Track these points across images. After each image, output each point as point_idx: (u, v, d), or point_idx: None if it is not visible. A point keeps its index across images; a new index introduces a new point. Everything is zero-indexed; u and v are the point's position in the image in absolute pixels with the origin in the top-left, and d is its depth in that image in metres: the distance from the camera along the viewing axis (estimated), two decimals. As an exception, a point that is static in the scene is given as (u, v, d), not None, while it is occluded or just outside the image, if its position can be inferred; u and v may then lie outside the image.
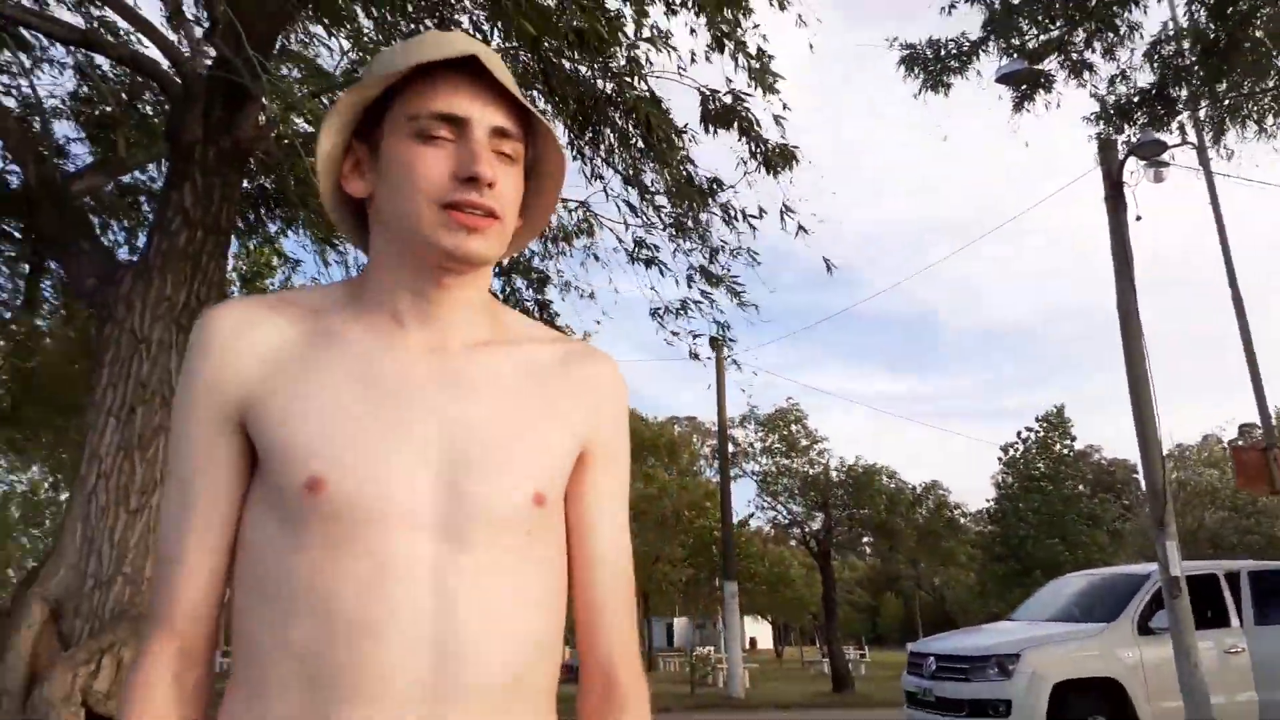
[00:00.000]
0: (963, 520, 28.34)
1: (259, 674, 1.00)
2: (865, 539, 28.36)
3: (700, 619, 48.95)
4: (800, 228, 6.58)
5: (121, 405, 4.50)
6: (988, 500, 36.02)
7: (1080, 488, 34.90)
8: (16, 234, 6.78)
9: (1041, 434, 35.74)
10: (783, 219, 6.56)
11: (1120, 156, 10.02)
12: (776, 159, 6.14)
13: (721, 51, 5.83)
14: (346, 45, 6.24)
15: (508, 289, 7.56)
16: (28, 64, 6.61)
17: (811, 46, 6.67)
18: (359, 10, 5.33)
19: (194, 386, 1.08)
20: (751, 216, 6.66)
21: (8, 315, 7.37)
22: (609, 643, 1.16)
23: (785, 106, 5.99)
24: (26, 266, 7.01)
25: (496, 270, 7.54)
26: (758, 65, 5.78)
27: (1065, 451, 35.63)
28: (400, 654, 0.97)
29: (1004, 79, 10.54)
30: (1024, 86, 10.92)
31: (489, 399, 1.09)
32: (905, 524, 24.17)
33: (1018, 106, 11.21)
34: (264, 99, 4.34)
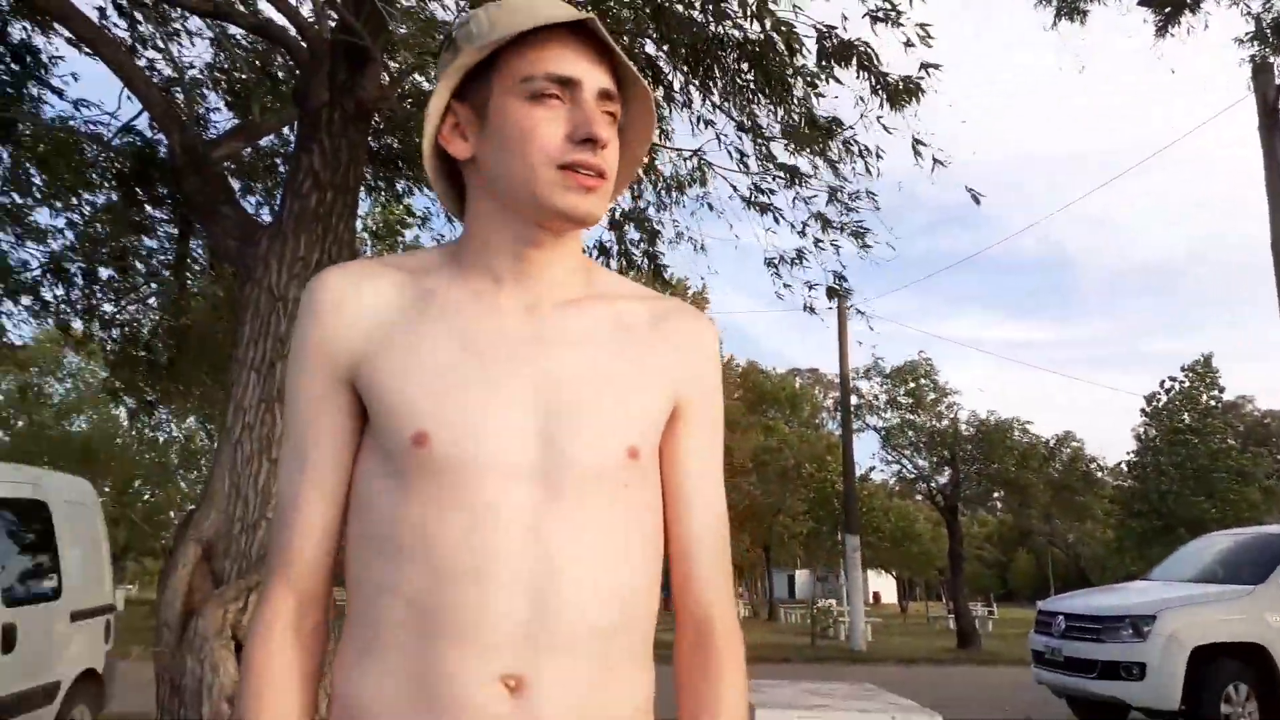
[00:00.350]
0: (1100, 474, 27.32)
1: (371, 618, 1.07)
2: (995, 494, 27.65)
3: (822, 572, 48.79)
4: (936, 161, 6.29)
5: (262, 360, 4.76)
6: (1127, 453, 34.47)
7: (1230, 441, 32.99)
8: (167, 199, 7.20)
9: (1187, 384, 33.90)
10: (915, 153, 6.26)
11: (1277, 80, 9.34)
12: (900, 93, 5.86)
13: None
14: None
15: (619, 243, 7.56)
16: (170, 36, 6.97)
17: None
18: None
19: (305, 348, 1.14)
20: (868, 154, 6.39)
21: (164, 274, 7.83)
22: (702, 591, 1.19)
23: (923, 33, 5.58)
24: (176, 230, 7.43)
25: (608, 223, 7.58)
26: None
27: (1213, 403, 33.73)
28: (500, 599, 1.02)
29: (1146, 0, 9.89)
30: (1168, 8, 10.18)
31: (583, 355, 1.13)
32: (1037, 478, 23.44)
33: (1161, 30, 10.39)
34: (386, 58, 4.45)
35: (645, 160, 1.28)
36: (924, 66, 5.73)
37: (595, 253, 7.47)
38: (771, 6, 5.52)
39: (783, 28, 5.51)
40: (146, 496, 30.95)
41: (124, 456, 27.19)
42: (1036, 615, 10.23)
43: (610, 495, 1.09)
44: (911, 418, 23.82)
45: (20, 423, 24.65)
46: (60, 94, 6.99)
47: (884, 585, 61.68)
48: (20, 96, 6.70)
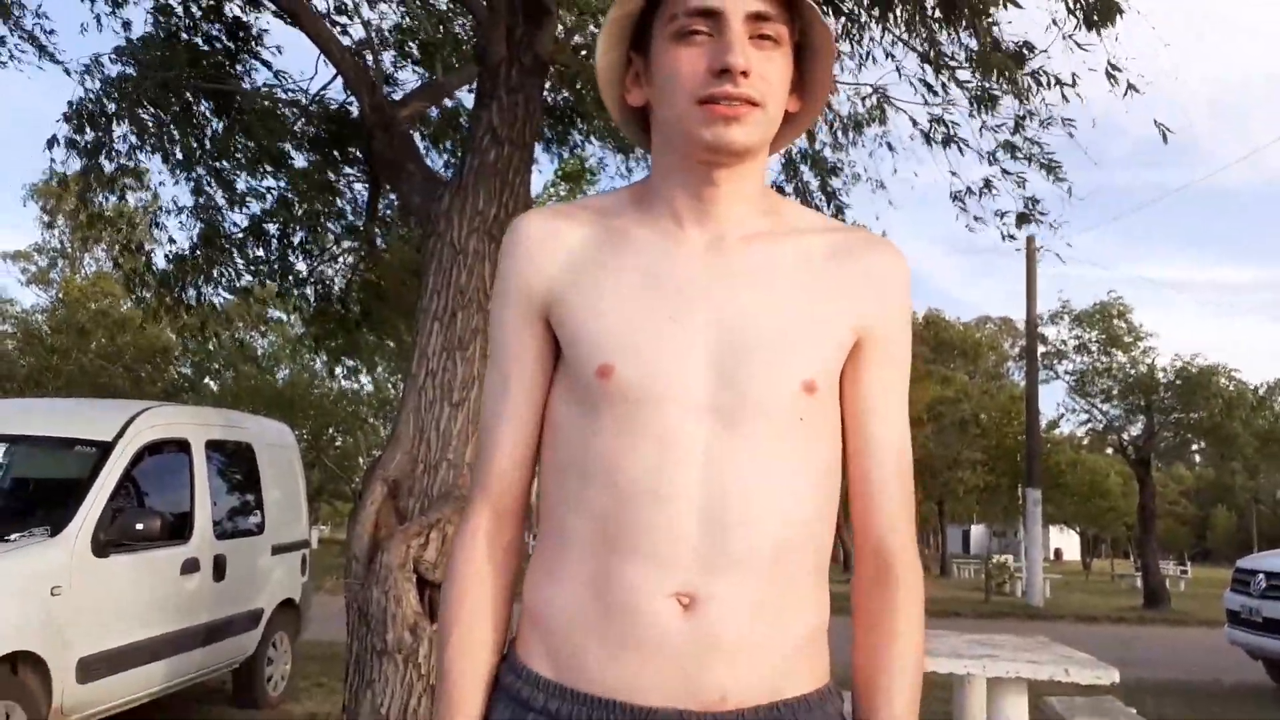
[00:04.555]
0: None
1: (560, 534, 1.15)
2: (1194, 446, 25.96)
3: (1000, 527, 47.27)
4: (1130, 87, 5.88)
5: (444, 310, 4.97)
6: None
7: None
8: (358, 160, 7.58)
9: None
10: (1111, 78, 5.87)
11: None
12: (1097, 13, 5.48)
13: None
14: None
15: (796, 182, 7.42)
16: (359, 4, 7.29)
17: None
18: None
19: (507, 284, 1.22)
20: (1064, 83, 6.01)
21: (359, 226, 8.26)
22: (882, 525, 1.19)
23: None
24: (366, 188, 7.81)
25: (782, 161, 7.45)
26: None
27: None
28: (676, 521, 1.08)
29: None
30: None
31: (763, 289, 1.15)
32: (1244, 428, 21.81)
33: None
34: (562, 12, 4.49)
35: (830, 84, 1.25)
36: (1105, 3, 5.34)
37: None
38: None
39: None
40: (339, 443, 32.94)
41: (320, 405, 29.01)
42: (1234, 573, 9.67)
43: (785, 428, 1.11)
44: (1106, 360, 22.49)
45: (230, 374, 26.63)
46: (269, 66, 7.43)
47: (1066, 542, 59.22)
48: (235, 71, 7.17)
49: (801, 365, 1.12)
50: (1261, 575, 8.99)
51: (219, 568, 6.32)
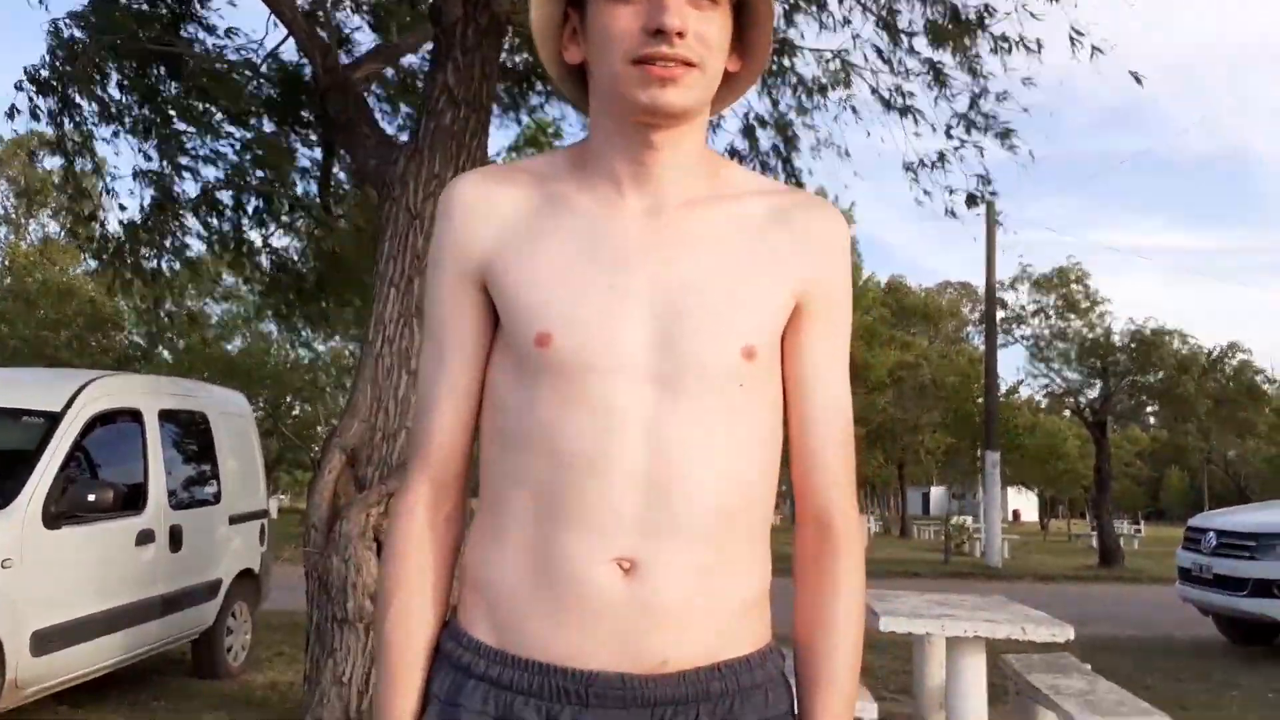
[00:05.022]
0: (1267, 387, 25.69)
1: (501, 502, 1.13)
2: (1149, 408, 26.41)
3: (959, 489, 48.05)
4: (1095, 49, 5.88)
5: (400, 276, 4.90)
6: (1297, 366, 32.26)
7: None
8: (311, 123, 7.42)
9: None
10: (1073, 43, 5.87)
11: None
12: None
13: None
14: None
15: (750, 146, 7.38)
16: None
17: None
18: None
19: (441, 250, 1.20)
20: (1028, 44, 5.99)
21: (313, 195, 8.12)
22: (823, 486, 1.19)
23: None
24: (320, 155, 7.67)
25: (741, 127, 7.40)
26: None
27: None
28: (616, 489, 1.07)
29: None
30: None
31: (703, 254, 1.13)
32: (1197, 390, 22.21)
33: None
34: None
35: (772, 48, 1.21)
36: None
37: (730, 159, 7.35)
38: None
39: None
40: (296, 412, 32.66)
41: (277, 373, 28.70)
42: (1185, 531, 9.89)
43: (726, 393, 1.10)
44: (1062, 324, 22.80)
45: (182, 342, 26.25)
46: (212, 30, 7.26)
47: (1024, 503, 60.30)
48: (184, 33, 7.00)
49: (742, 331, 1.11)
50: (1212, 533, 9.19)
51: (175, 538, 6.24)
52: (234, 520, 7.13)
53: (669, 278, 1.11)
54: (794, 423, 1.19)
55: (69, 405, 5.56)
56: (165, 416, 6.50)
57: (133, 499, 5.94)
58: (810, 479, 1.19)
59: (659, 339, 1.09)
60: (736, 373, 1.11)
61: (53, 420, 5.44)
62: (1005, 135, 6.60)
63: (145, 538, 5.93)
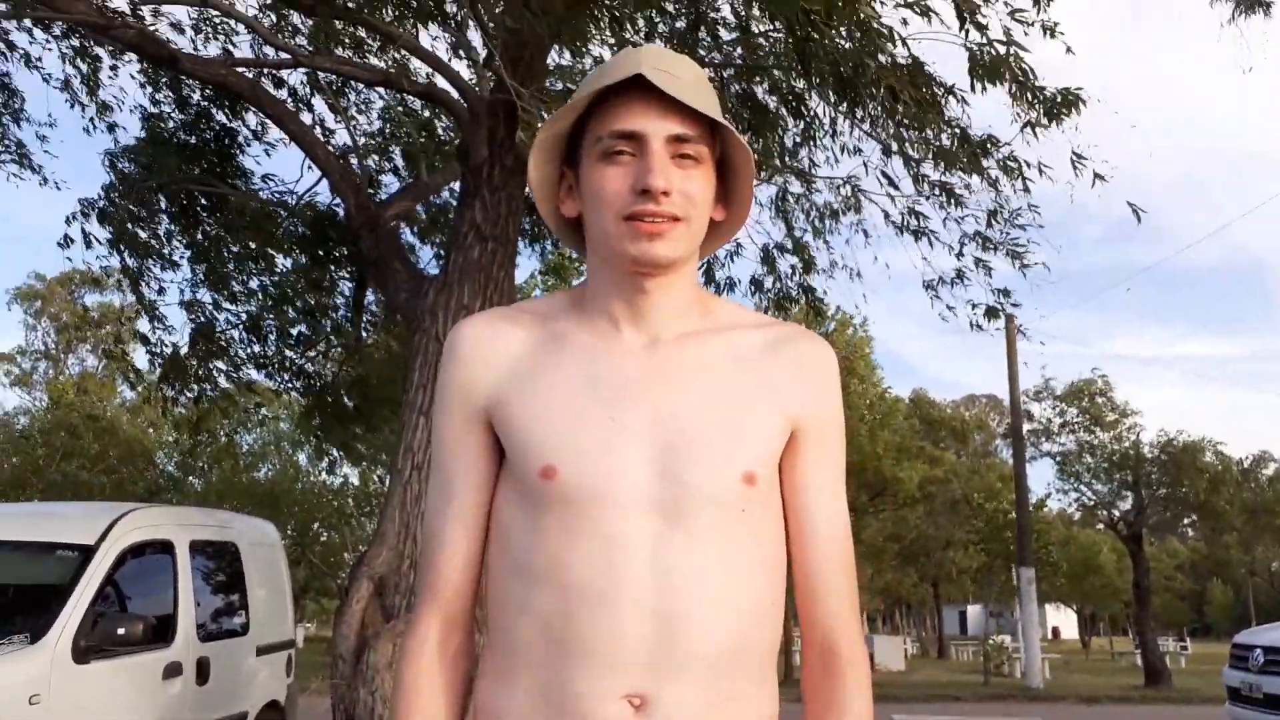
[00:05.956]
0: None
1: (509, 638, 1.16)
2: (1185, 520, 25.86)
3: (996, 608, 46.83)
4: (1096, 176, 6.04)
5: (430, 405, 5.01)
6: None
7: None
8: (345, 259, 7.74)
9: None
10: (1074, 168, 6.03)
11: None
12: (1057, 106, 5.67)
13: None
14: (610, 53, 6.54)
15: (772, 274, 7.57)
16: (348, 108, 7.54)
17: None
18: (611, 23, 5.49)
19: (447, 391, 1.25)
20: (1028, 174, 6.17)
21: (346, 328, 8.38)
22: (826, 613, 1.21)
23: (1068, 50, 5.48)
24: (352, 285, 7.96)
25: (759, 257, 7.60)
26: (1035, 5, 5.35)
27: None
28: (625, 622, 1.09)
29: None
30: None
31: (699, 386, 1.18)
32: (1232, 503, 21.79)
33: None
34: (519, 130, 4.65)
35: (755, 188, 1.30)
36: (1066, 95, 5.53)
37: (750, 288, 7.52)
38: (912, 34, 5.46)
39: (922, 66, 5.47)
40: (324, 538, 32.53)
41: (304, 500, 28.72)
42: (1231, 649, 9.56)
43: (728, 521, 1.13)
44: (1089, 439, 22.57)
45: (213, 471, 26.43)
46: (250, 175, 7.65)
47: (1064, 620, 58.53)
48: (222, 176, 7.38)
49: (741, 457, 1.15)
50: (1259, 650, 8.90)
51: (202, 671, 6.20)
52: (261, 651, 7.07)
53: (668, 408, 1.16)
54: (795, 548, 1.22)
55: (103, 538, 5.61)
56: (196, 547, 6.54)
57: (162, 631, 5.93)
58: (814, 606, 1.22)
59: (661, 467, 1.13)
60: (738, 499, 1.14)
61: (86, 554, 5.49)
62: (1015, 255, 6.73)
63: (172, 670, 5.90)
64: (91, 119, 7.62)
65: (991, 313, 7.12)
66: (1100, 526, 27.02)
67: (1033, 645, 19.53)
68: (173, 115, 7.25)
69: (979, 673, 21.85)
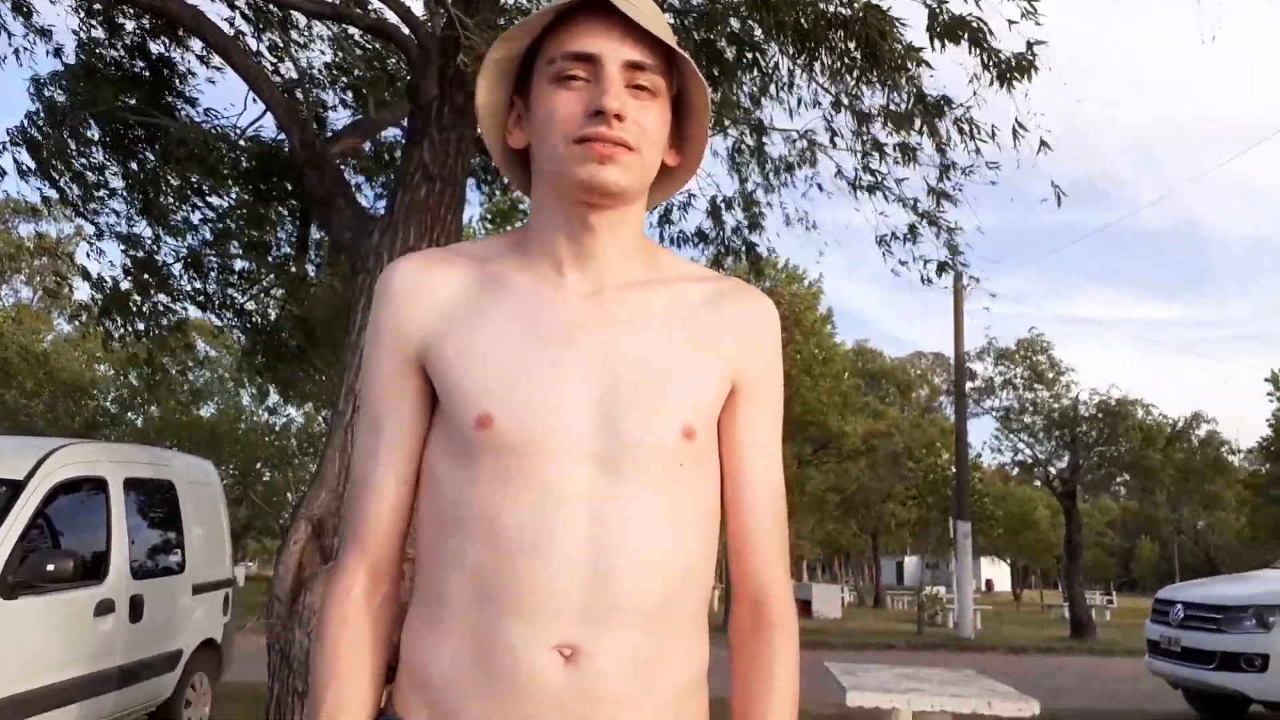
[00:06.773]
0: (1233, 459, 25.96)
1: (437, 590, 1.13)
2: (1118, 478, 26.64)
3: (933, 559, 47.98)
4: (1042, 143, 6.08)
5: (374, 347, 4.94)
6: (1261, 438, 32.58)
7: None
8: (289, 195, 7.55)
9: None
10: (1015, 137, 6.07)
11: None
12: (1012, 71, 5.66)
13: None
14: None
15: (717, 228, 7.55)
16: (295, 42, 7.30)
17: None
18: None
19: (379, 332, 1.20)
20: (979, 138, 6.20)
21: (289, 266, 8.21)
22: (758, 566, 1.21)
23: (1024, 14, 5.44)
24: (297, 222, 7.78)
25: (707, 209, 7.57)
26: None
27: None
28: (558, 574, 1.07)
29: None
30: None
31: (642, 337, 1.15)
32: (1163, 461, 22.44)
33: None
34: (461, 57, 4.54)
35: (710, 127, 1.25)
36: (1030, 45, 5.53)
37: (695, 240, 7.49)
38: None
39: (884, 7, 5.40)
40: (267, 478, 32.27)
41: (247, 440, 28.41)
42: (1153, 604, 9.91)
43: (666, 474, 1.12)
44: (1030, 395, 23.06)
45: (154, 408, 25.99)
46: (193, 103, 7.40)
47: (998, 573, 60.19)
48: (161, 106, 7.13)
49: (681, 411, 1.13)
50: (1180, 605, 9.21)
51: (135, 608, 6.14)
52: (197, 590, 7.02)
53: (609, 358, 1.13)
54: (730, 503, 1.21)
55: (32, 473, 5.50)
56: (131, 485, 6.44)
57: (94, 568, 5.85)
58: (746, 560, 1.21)
59: (600, 419, 1.11)
60: (676, 453, 1.12)
61: (14, 489, 5.38)
62: (949, 231, 6.78)
63: (105, 607, 5.83)
64: (18, 49, 7.30)
65: (942, 267, 7.18)
66: (1037, 484, 27.70)
67: (966, 597, 20.06)
68: (107, 41, 6.96)
69: (913, 622, 22.42)
